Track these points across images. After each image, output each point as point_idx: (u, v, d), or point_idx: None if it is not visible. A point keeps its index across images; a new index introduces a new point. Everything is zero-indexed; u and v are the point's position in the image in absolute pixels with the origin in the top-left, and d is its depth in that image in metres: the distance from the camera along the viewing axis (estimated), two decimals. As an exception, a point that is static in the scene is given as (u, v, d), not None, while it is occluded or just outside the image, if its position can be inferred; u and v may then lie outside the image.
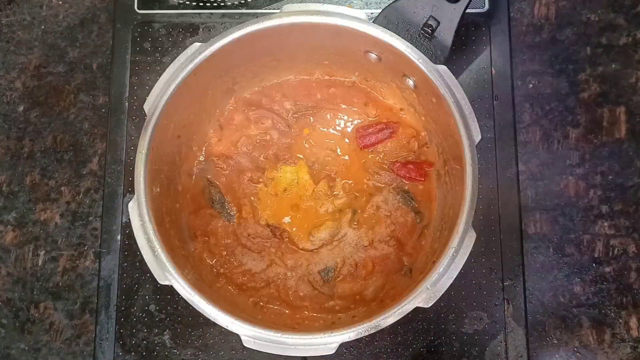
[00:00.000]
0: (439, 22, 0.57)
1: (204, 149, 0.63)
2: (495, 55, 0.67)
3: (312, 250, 0.62)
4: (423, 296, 0.49)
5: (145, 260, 0.50)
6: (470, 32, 0.67)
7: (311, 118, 0.65)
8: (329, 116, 0.65)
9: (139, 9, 0.68)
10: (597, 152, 0.67)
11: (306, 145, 0.64)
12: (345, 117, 0.65)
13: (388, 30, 0.53)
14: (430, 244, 0.60)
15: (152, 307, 0.62)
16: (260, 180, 0.63)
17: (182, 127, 0.58)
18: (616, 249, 0.65)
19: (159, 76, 0.53)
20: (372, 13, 0.66)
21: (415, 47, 0.53)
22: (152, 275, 0.50)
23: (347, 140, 0.64)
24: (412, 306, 0.49)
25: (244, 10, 0.68)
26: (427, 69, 0.53)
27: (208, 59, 0.53)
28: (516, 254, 0.63)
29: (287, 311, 0.59)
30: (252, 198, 0.63)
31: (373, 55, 0.57)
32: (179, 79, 0.53)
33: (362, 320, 0.49)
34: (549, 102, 0.68)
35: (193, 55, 0.53)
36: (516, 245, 0.63)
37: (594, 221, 0.66)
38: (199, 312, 0.50)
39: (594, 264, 0.65)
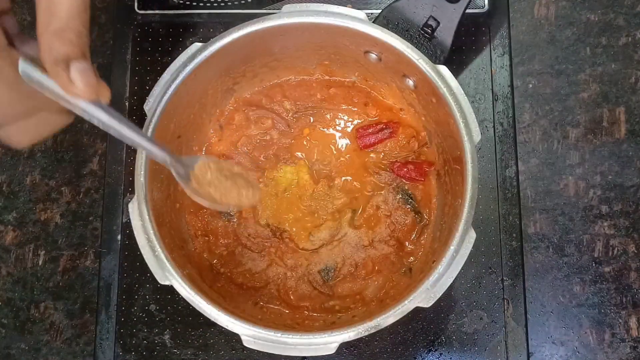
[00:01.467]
0: (438, 22, 0.57)
1: (204, 149, 0.63)
2: (495, 55, 0.67)
3: (312, 250, 0.62)
4: (423, 296, 0.49)
5: (145, 260, 0.50)
6: (470, 32, 0.67)
7: (311, 118, 0.65)
8: (329, 116, 0.65)
9: (139, 9, 0.68)
10: (597, 152, 0.67)
11: (306, 145, 0.64)
12: (345, 117, 0.65)
13: (388, 31, 0.53)
14: (430, 244, 0.60)
15: (152, 307, 0.63)
16: (261, 180, 0.63)
17: (182, 127, 0.58)
18: (616, 249, 0.65)
19: (159, 76, 0.53)
20: (372, 13, 0.66)
21: (415, 47, 0.53)
22: (152, 275, 0.50)
23: (347, 140, 0.65)
24: (412, 306, 0.49)
25: (244, 10, 0.68)
26: (427, 69, 0.53)
27: (208, 59, 0.53)
28: (516, 253, 0.63)
29: (287, 311, 0.59)
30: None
31: (373, 56, 0.57)
32: (179, 79, 0.53)
33: (362, 320, 0.49)
34: (549, 102, 0.68)
35: (193, 55, 0.53)
36: (516, 245, 0.63)
37: (594, 221, 0.66)
38: (199, 312, 0.50)
39: (593, 264, 0.65)
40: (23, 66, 0.38)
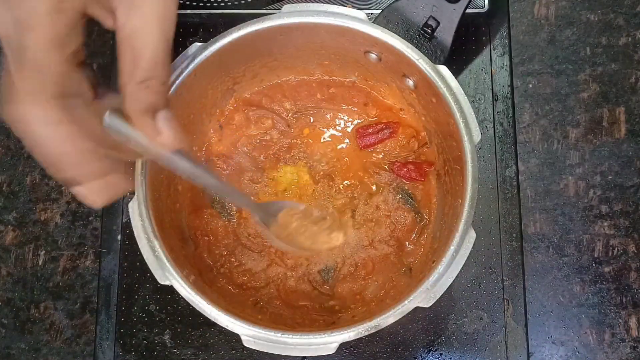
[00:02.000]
0: (438, 23, 0.57)
1: (204, 149, 0.63)
2: (495, 55, 0.67)
3: (312, 250, 0.62)
4: (423, 296, 0.49)
5: (145, 260, 0.50)
6: (470, 32, 0.67)
7: (311, 118, 0.65)
8: (329, 116, 0.65)
9: (139, 9, 0.68)
10: (597, 152, 0.67)
11: (306, 145, 0.64)
12: (345, 117, 0.65)
13: (388, 31, 0.53)
14: (430, 244, 0.60)
15: (152, 307, 0.63)
16: (260, 180, 0.63)
17: (182, 127, 0.57)
18: (616, 249, 0.65)
19: (159, 76, 0.53)
20: (372, 13, 0.66)
21: (415, 47, 0.53)
22: (152, 275, 0.50)
23: (347, 140, 0.65)
24: (412, 306, 0.49)
25: (244, 10, 0.68)
26: (427, 69, 0.53)
27: (208, 59, 0.53)
28: (516, 253, 0.63)
29: (287, 311, 0.59)
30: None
31: (373, 56, 0.57)
32: (179, 79, 0.53)
33: (362, 320, 0.49)
34: (549, 102, 0.68)
35: (193, 55, 0.53)
36: (516, 245, 0.63)
37: (594, 221, 0.66)
38: (199, 312, 0.50)
39: (593, 264, 0.65)
40: (110, 118, 0.37)
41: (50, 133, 0.35)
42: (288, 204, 0.55)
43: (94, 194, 0.38)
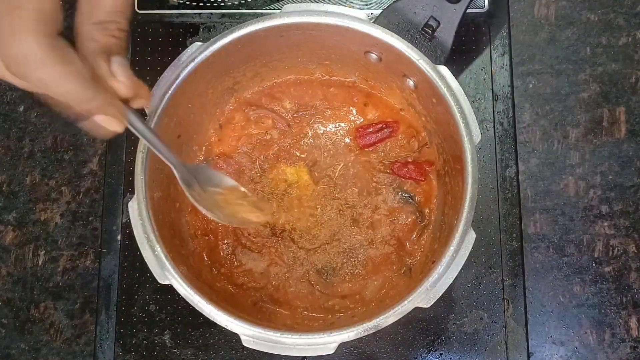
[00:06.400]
0: (439, 23, 0.57)
1: (204, 148, 0.63)
2: (495, 55, 0.67)
3: (312, 250, 0.62)
4: (423, 296, 0.49)
5: (145, 260, 0.50)
6: (470, 32, 0.67)
7: (311, 118, 0.65)
8: (329, 116, 0.65)
9: (139, 9, 0.68)
10: (597, 152, 0.67)
11: (306, 145, 0.64)
12: (346, 117, 0.65)
13: (388, 31, 0.53)
14: (430, 244, 0.60)
15: (152, 307, 0.63)
16: (260, 180, 0.63)
17: (182, 127, 0.58)
18: (616, 249, 0.65)
19: (159, 76, 0.53)
20: (372, 13, 0.67)
21: (416, 47, 0.53)
22: (152, 275, 0.50)
23: (347, 139, 0.65)
24: (412, 306, 0.49)
25: (244, 10, 0.68)
26: (427, 69, 0.53)
27: (208, 59, 0.53)
28: (516, 253, 0.63)
29: (286, 311, 0.59)
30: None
31: (373, 56, 0.57)
32: (179, 78, 0.53)
33: (361, 320, 0.49)
34: (549, 102, 0.68)
35: (193, 55, 0.53)
36: (516, 245, 0.63)
37: (594, 221, 0.66)
38: (199, 312, 0.50)
39: (593, 264, 0.65)
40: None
41: (52, 74, 0.34)
42: (218, 176, 0.55)
43: (101, 125, 0.39)
